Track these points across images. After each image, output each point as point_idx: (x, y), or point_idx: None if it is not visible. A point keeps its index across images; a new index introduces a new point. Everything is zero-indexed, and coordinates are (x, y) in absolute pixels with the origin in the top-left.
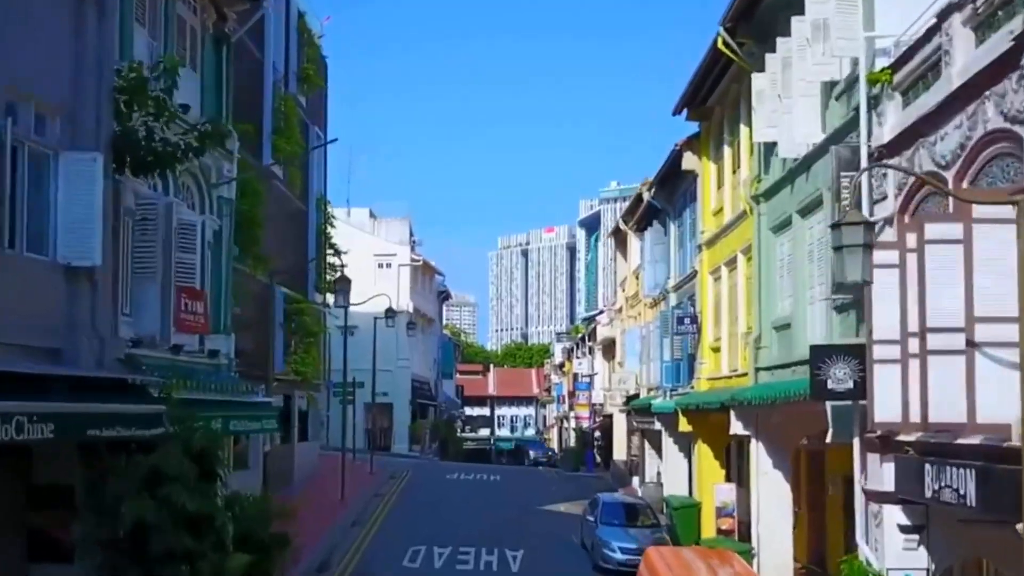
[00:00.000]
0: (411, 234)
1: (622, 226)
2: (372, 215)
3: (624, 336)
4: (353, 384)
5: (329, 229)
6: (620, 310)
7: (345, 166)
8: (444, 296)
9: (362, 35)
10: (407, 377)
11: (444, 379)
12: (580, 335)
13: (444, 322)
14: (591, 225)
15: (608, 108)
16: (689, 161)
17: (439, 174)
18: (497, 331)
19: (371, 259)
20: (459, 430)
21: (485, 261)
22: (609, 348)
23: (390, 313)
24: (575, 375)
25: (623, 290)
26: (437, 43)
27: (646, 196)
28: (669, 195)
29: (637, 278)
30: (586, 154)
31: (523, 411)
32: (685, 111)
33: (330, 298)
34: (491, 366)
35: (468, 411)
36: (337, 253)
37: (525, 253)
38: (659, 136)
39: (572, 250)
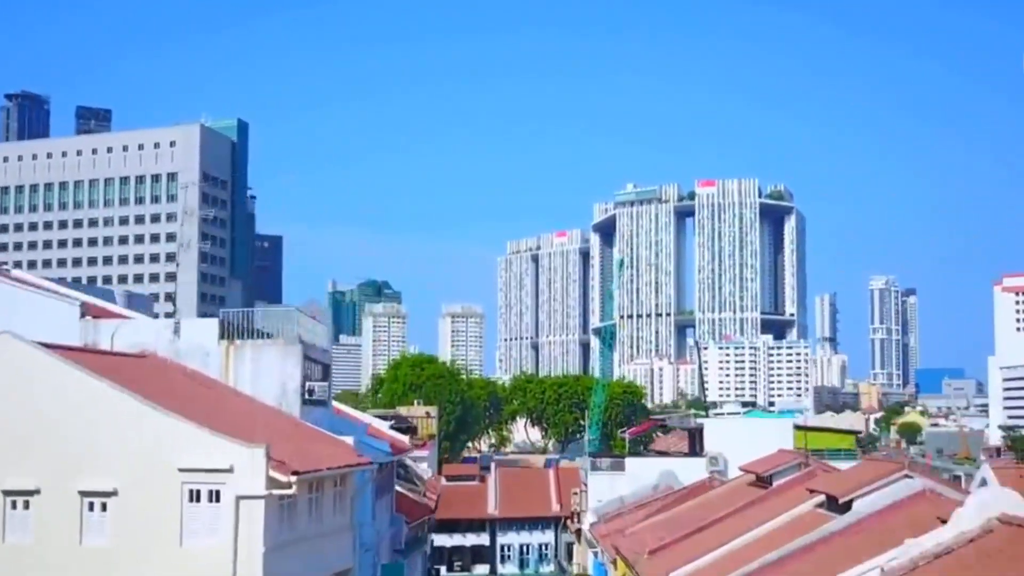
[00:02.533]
0: None
1: None
2: None
3: None
4: None
5: None
6: None
7: None
8: None
9: (362, 24)
10: None
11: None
12: None
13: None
14: (606, 230)
15: (620, 108)
16: None
17: (444, 175)
18: (506, 340)
19: None
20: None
21: (494, 267)
22: None
23: None
24: None
25: None
26: (434, 38)
27: None
28: None
29: None
30: (597, 156)
31: (538, 537)
32: None
33: None
34: (492, 467)
35: (454, 539)
36: None
37: (535, 258)
38: (674, 138)
39: (585, 255)
